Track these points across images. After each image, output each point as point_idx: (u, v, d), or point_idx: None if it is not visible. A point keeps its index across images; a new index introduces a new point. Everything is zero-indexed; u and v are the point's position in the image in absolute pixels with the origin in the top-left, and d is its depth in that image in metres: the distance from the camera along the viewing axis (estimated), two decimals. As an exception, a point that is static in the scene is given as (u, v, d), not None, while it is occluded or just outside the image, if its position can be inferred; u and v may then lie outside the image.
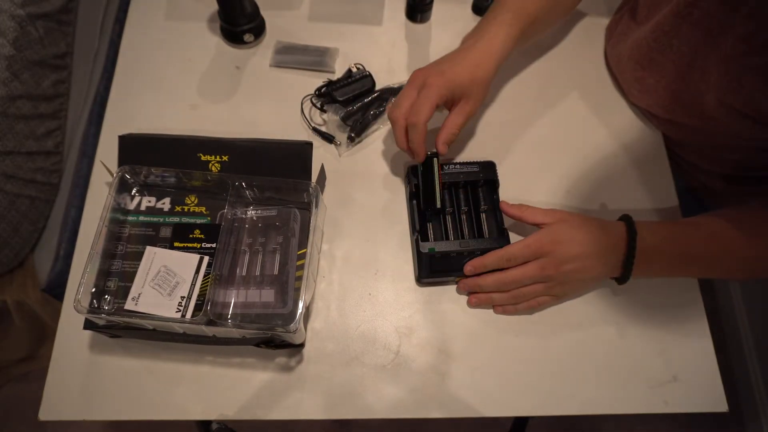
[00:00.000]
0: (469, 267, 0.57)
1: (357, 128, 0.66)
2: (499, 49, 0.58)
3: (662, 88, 0.63)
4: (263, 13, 0.73)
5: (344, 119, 0.66)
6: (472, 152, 0.68)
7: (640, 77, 0.66)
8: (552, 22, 0.67)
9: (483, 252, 0.58)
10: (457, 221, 0.61)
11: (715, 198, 0.75)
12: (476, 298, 0.58)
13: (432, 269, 0.58)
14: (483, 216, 0.61)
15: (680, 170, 0.74)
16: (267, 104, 0.69)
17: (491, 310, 0.59)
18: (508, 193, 0.65)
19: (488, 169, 0.62)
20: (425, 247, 0.57)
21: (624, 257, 0.54)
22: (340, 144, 0.66)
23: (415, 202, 0.61)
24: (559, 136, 0.69)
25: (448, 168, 0.61)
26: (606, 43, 0.76)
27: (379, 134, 0.68)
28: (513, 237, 0.60)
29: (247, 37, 0.71)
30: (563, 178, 0.67)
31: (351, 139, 0.66)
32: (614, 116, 0.71)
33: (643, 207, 0.65)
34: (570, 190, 0.66)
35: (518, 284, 0.56)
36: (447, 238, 0.60)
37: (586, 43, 0.76)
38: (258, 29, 0.71)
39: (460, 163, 0.62)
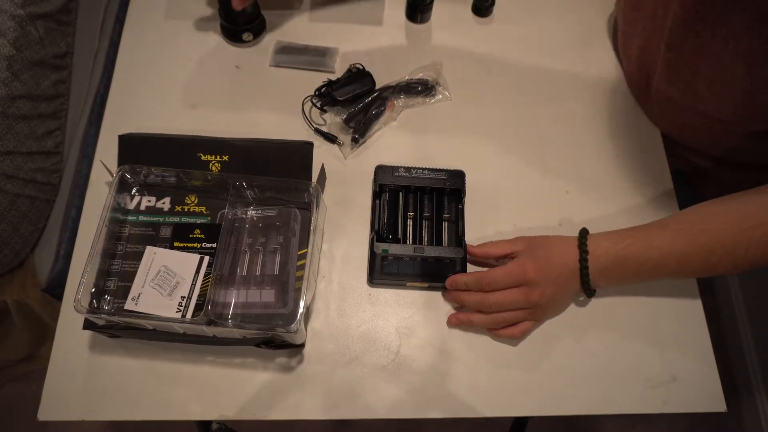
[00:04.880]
0: (449, 281, 0.57)
1: (360, 129, 0.66)
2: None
3: (683, 63, 0.60)
4: (263, 12, 0.73)
5: (346, 121, 0.66)
6: (471, 152, 0.68)
7: (662, 56, 0.63)
8: None
9: (436, 260, 0.58)
10: (417, 226, 0.61)
11: (703, 181, 0.76)
12: (456, 318, 0.57)
13: (383, 271, 0.58)
14: (444, 224, 0.61)
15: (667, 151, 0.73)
16: (267, 104, 0.69)
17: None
18: (508, 193, 0.65)
19: (456, 177, 0.62)
20: (379, 247, 0.58)
21: (580, 271, 0.54)
22: (343, 144, 0.66)
23: (378, 201, 0.61)
24: (558, 137, 0.69)
25: (416, 172, 0.62)
26: (613, 33, 0.76)
27: (379, 134, 0.68)
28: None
29: (246, 36, 0.70)
30: (562, 178, 0.67)
31: (355, 141, 0.66)
32: (615, 115, 0.71)
33: (641, 205, 0.65)
34: (570, 191, 0.66)
35: (500, 308, 0.55)
36: (405, 242, 0.60)
37: (586, 43, 0.76)
38: (258, 29, 0.71)
39: (428, 169, 0.62)
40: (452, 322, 0.58)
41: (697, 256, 0.52)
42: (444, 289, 0.59)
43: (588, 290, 0.55)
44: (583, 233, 0.56)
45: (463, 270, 0.58)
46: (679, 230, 0.53)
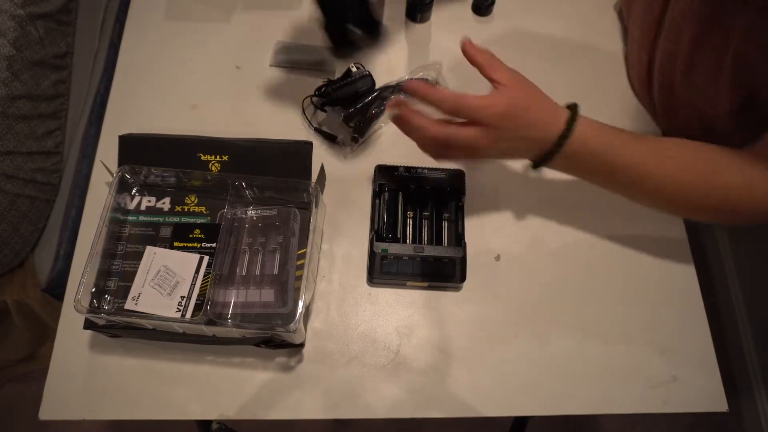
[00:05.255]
0: (408, 88, 0.50)
1: (360, 129, 0.66)
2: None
3: (681, 51, 0.60)
4: (263, 12, 0.72)
5: (346, 120, 0.66)
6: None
7: (663, 47, 0.63)
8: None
9: (436, 260, 0.58)
10: (417, 225, 0.61)
11: None
12: (399, 116, 0.51)
13: (383, 270, 0.58)
14: (444, 224, 0.61)
15: None
16: (267, 104, 0.69)
17: (491, 311, 0.59)
18: (508, 193, 0.65)
19: (456, 178, 0.62)
20: (378, 247, 0.58)
21: (550, 147, 0.50)
22: (343, 144, 0.66)
23: (378, 201, 0.61)
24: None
25: (416, 172, 0.62)
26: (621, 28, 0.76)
27: (379, 133, 0.68)
28: (471, 248, 0.60)
29: (353, 34, 0.52)
30: (562, 177, 0.66)
31: (355, 140, 0.66)
32: (616, 115, 0.71)
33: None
34: (569, 190, 0.66)
35: (446, 144, 0.50)
36: (405, 242, 0.60)
37: (591, 40, 0.76)
38: (369, 27, 0.52)
39: (428, 169, 0.62)
40: (392, 114, 0.51)
41: (655, 177, 0.51)
42: (445, 287, 0.59)
43: (540, 164, 0.52)
44: (575, 113, 0.51)
45: (463, 271, 0.58)
46: (653, 148, 0.52)
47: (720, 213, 0.53)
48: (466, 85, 0.72)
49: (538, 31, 0.77)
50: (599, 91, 0.73)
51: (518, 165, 0.67)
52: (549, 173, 0.67)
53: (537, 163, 0.53)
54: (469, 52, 0.51)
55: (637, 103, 0.72)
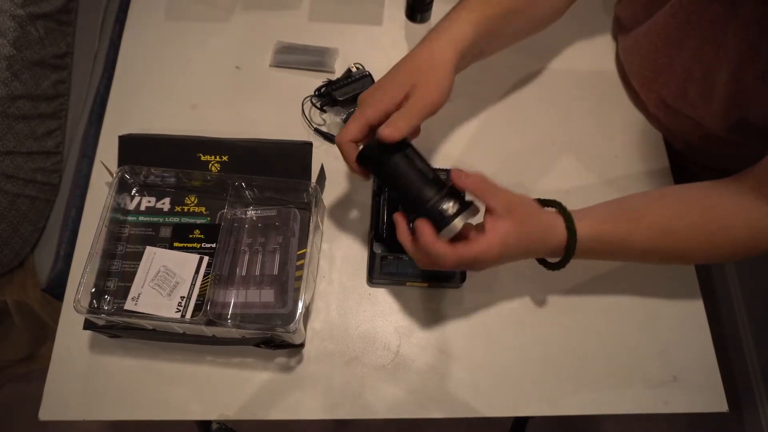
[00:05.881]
0: (410, 242, 0.48)
1: (358, 129, 0.66)
2: (459, 35, 0.50)
3: (678, 65, 0.61)
4: (263, 12, 0.72)
5: (346, 121, 0.66)
6: (471, 151, 0.68)
7: (654, 58, 0.64)
8: (532, 20, 0.59)
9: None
10: None
11: None
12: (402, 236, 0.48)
13: (383, 271, 0.58)
14: None
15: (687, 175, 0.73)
16: (267, 104, 0.69)
17: (491, 311, 0.59)
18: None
19: None
20: (378, 247, 0.58)
21: (561, 258, 0.50)
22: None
23: (378, 200, 0.61)
24: (558, 136, 0.69)
25: None
26: (614, 32, 0.76)
27: (379, 134, 0.68)
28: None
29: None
30: (562, 177, 0.67)
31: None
32: (615, 116, 0.71)
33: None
34: (570, 191, 0.66)
35: (440, 269, 0.49)
36: None
37: (587, 41, 0.76)
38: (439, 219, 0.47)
39: None
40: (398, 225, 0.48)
41: (660, 254, 0.53)
42: (445, 287, 0.59)
43: (556, 268, 0.51)
44: (572, 227, 0.48)
45: (463, 271, 0.58)
46: (653, 226, 0.51)
47: (727, 260, 0.55)
48: (466, 84, 0.72)
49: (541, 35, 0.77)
50: (599, 90, 0.73)
51: (517, 166, 0.67)
52: (550, 177, 0.67)
53: (553, 266, 0.52)
54: (460, 182, 0.47)
55: (634, 109, 0.72)
